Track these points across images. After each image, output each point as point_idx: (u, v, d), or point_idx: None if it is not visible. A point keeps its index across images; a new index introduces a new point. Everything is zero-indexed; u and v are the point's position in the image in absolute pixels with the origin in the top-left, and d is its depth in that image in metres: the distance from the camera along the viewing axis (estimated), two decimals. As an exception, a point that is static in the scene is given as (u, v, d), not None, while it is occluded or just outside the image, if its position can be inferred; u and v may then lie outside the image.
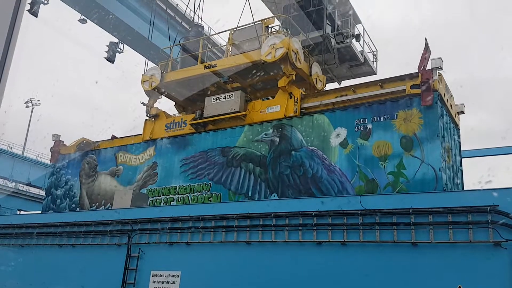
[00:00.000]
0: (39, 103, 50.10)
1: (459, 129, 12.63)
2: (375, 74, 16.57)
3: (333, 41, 15.07)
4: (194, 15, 18.81)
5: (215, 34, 21.75)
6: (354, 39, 15.54)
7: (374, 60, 16.52)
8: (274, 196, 12.31)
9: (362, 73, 16.37)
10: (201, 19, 19.33)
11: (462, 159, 12.61)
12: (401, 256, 7.82)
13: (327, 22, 15.23)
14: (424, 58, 11.09)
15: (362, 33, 15.84)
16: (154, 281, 10.21)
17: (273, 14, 16.29)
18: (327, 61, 15.38)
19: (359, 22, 16.18)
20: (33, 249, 12.70)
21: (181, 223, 10.33)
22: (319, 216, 8.69)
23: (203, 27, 18.67)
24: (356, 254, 8.22)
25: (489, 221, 7.24)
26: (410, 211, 7.83)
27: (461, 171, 12.25)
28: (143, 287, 10.31)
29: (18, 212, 31.97)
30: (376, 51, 16.61)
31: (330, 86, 16.41)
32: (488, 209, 7.28)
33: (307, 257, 8.66)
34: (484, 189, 7.67)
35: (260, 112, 13.45)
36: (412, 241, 7.75)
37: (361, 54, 15.69)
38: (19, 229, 13.20)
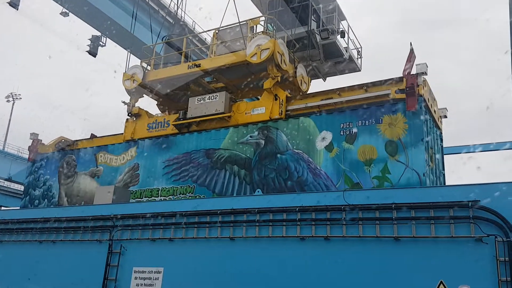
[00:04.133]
0: (20, 98, 49.33)
1: (442, 133, 12.72)
2: (360, 70, 16.61)
3: (318, 37, 15.05)
4: (177, 8, 18.59)
5: (200, 33, 21.54)
6: (339, 35, 15.53)
7: (359, 56, 16.55)
8: (258, 191, 12.27)
9: (346, 69, 16.39)
10: (185, 12, 19.12)
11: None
12: (384, 250, 7.84)
13: (312, 18, 15.19)
14: (409, 63, 11.11)
15: (346, 30, 15.85)
16: (136, 278, 10.09)
17: (258, 8, 16.19)
18: (312, 57, 15.35)
19: (344, 18, 16.19)
20: (13, 246, 12.46)
21: (164, 219, 10.22)
22: (303, 212, 8.67)
23: (186, 24, 18.48)
24: (339, 249, 8.23)
25: (471, 216, 7.31)
26: (393, 206, 7.86)
27: (443, 174, 12.33)
28: (125, 284, 10.19)
29: (-1, 208, 31.39)
30: (361, 47, 16.65)
31: (314, 82, 16.41)
32: (470, 204, 7.34)
33: (290, 252, 8.64)
34: (465, 185, 7.72)
35: (245, 113, 13.31)
36: (394, 235, 7.79)
37: (346, 51, 15.70)
38: (-2, 225, 12.93)
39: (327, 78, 16.70)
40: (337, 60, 15.78)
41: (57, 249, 11.64)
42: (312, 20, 15.02)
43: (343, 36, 15.62)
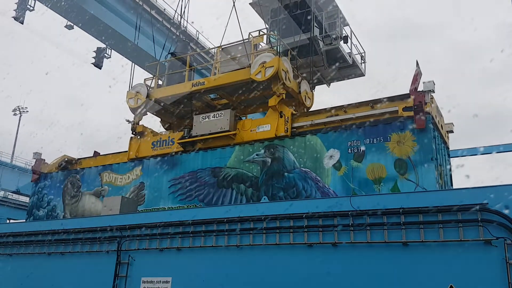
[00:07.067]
0: (27, 111, 49.77)
1: (449, 148, 12.61)
2: (364, 75, 16.62)
3: (321, 43, 15.08)
4: (181, 18, 18.71)
5: (208, 49, 21.53)
6: (342, 41, 15.56)
7: (362, 61, 16.56)
8: (264, 198, 12.24)
9: (350, 74, 16.40)
10: (187, 21, 19.21)
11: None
12: (392, 256, 7.79)
13: (315, 24, 15.23)
14: (416, 80, 11.05)
15: (349, 35, 15.87)
16: (144, 288, 10.08)
17: (260, 16, 16.26)
18: (316, 63, 15.37)
19: (347, 24, 16.22)
20: (22, 258, 12.50)
21: (171, 228, 10.22)
22: (310, 218, 8.64)
23: (189, 42, 18.50)
24: (347, 255, 8.18)
25: (479, 219, 7.25)
26: (400, 211, 7.82)
27: None
28: (134, 294, 10.18)
29: (8, 221, 31.51)
30: (364, 52, 16.66)
31: (318, 88, 16.43)
32: (478, 207, 7.28)
33: (298, 260, 8.60)
34: (473, 187, 7.67)
35: (250, 131, 13.26)
36: (402, 241, 7.73)
37: (349, 56, 15.72)
38: (7, 238, 12.99)
39: (331, 84, 16.73)
40: (341, 65, 15.80)
41: (65, 261, 11.67)
42: (314, 27, 15.07)
43: (346, 42, 15.65)
